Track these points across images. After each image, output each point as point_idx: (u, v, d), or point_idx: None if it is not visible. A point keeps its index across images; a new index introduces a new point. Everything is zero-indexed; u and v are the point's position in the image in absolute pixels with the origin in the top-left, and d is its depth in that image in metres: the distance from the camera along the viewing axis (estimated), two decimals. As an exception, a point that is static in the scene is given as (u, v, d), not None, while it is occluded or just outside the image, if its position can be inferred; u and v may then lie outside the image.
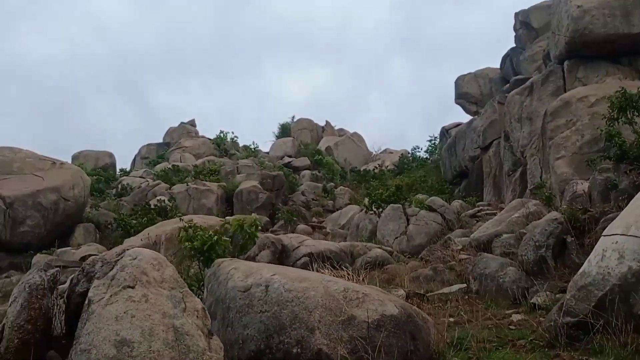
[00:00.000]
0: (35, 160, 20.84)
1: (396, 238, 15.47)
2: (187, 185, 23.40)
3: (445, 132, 31.68)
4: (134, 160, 39.98)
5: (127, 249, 4.80)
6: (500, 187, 18.36)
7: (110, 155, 34.21)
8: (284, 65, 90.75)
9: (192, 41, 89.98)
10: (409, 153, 37.46)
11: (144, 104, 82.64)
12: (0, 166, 19.75)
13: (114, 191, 27.98)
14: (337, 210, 26.36)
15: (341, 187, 30.65)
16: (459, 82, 26.93)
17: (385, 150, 41.82)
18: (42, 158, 21.21)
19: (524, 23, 23.54)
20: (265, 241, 12.88)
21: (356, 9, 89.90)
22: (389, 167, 34.15)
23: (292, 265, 12.85)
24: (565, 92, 15.65)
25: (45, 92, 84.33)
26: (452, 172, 25.35)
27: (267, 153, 38.97)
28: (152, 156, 38.55)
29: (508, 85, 21.17)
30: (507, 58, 24.91)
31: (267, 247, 12.84)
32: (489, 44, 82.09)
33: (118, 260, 4.38)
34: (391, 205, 16.38)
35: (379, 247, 14.12)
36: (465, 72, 26.47)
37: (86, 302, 4.15)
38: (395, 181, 28.86)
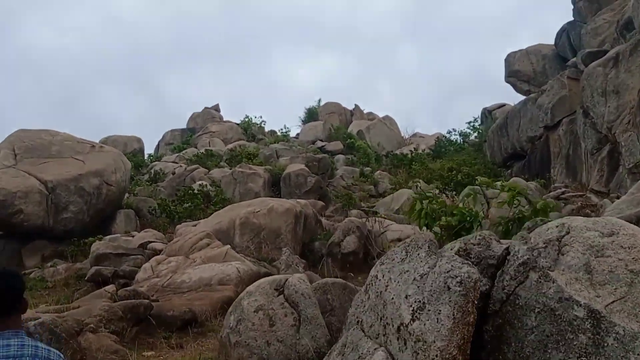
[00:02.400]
0: (74, 143, 19.72)
1: (476, 223, 14.28)
2: (231, 168, 22.30)
3: (488, 113, 30.41)
4: (158, 146, 39.01)
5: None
6: (576, 167, 17.12)
7: (139, 140, 33.13)
8: (292, 53, 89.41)
9: (201, 30, 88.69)
10: (443, 136, 36.25)
11: (155, 93, 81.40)
12: (39, 150, 18.64)
13: (145, 177, 26.98)
14: (380, 195, 25.26)
15: (379, 171, 29.52)
16: (510, 59, 25.58)
17: (415, 134, 40.61)
18: (80, 141, 20.09)
19: (586, -6, 22.15)
20: (350, 225, 11.79)
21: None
22: (425, 151, 32.99)
23: (381, 252, 11.75)
24: (658, 63, 14.39)
25: (57, 83, 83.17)
26: (503, 154, 24.07)
27: (297, 137, 37.86)
28: (177, 142, 37.49)
29: (574, 59, 19.82)
30: (563, 33, 23.53)
31: (352, 232, 11.74)
32: (499, 30, 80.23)
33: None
34: (469, 187, 15.18)
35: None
36: (516, 49, 25.08)
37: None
38: (439, 164, 27.78)
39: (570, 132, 17.87)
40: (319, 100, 42.76)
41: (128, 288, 8.27)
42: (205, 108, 42.02)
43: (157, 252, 13.45)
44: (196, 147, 33.81)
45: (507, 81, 25.79)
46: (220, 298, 8.58)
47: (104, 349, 5.75)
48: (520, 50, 25.29)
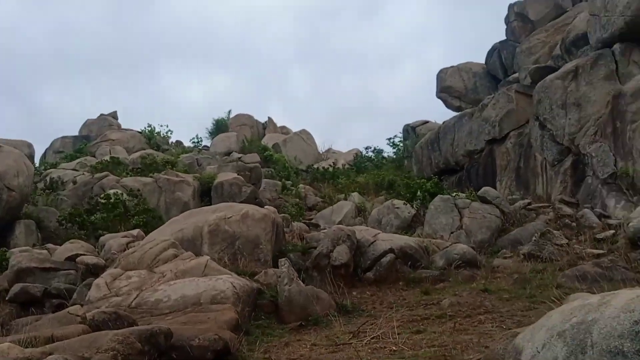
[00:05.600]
0: (-35, 139, 16.27)
1: (452, 233, 13.41)
2: (153, 176, 19.77)
3: (411, 129, 30.37)
4: (44, 154, 34.82)
5: None
6: (528, 179, 16.97)
7: (30, 146, 28.97)
8: (182, 70, 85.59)
9: (84, 43, 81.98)
10: (361, 152, 35.96)
11: (29, 104, 73.51)
12: None
13: (40, 184, 23.38)
14: (309, 208, 24.03)
15: (301, 185, 28.27)
16: (442, 75, 25.62)
17: (328, 149, 39.95)
18: (-27, 137, 16.65)
19: (519, 15, 22.71)
20: (340, 234, 10.26)
21: (258, 19, 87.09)
22: (346, 166, 32.41)
23: (375, 263, 10.36)
24: (618, 76, 14.60)
25: None
26: (434, 169, 23.83)
27: (206, 149, 35.54)
28: (69, 150, 33.67)
29: (516, 75, 20.05)
30: (495, 52, 23.99)
31: (342, 242, 10.21)
32: (385, 61, 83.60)
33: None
34: (440, 196, 14.32)
35: (455, 243, 11.96)
36: (448, 66, 25.18)
37: None
38: (366, 178, 27.15)
39: (520, 144, 17.78)
40: (229, 112, 40.85)
41: (106, 310, 6.08)
42: (102, 115, 38.41)
43: (90, 267, 10.98)
44: (94, 156, 30.45)
45: (438, 97, 25.81)
46: (227, 321, 6.65)
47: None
48: (451, 67, 25.44)
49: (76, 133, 37.24)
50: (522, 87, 18.48)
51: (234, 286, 7.73)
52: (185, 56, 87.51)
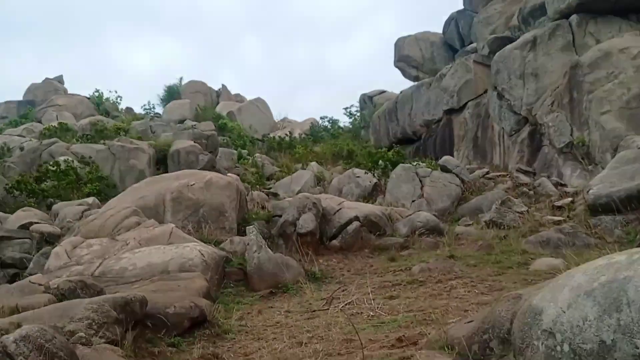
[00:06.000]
0: None
1: (413, 201, 13.55)
2: (105, 143, 19.05)
3: (368, 99, 30.37)
4: (-14, 119, 33.05)
5: None
6: (485, 149, 17.29)
7: (-30, 110, 27.40)
8: (129, 36, 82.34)
9: (23, 4, 77.50)
10: (317, 122, 35.77)
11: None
12: None
13: (-17, 151, 22.21)
14: (267, 178, 23.85)
15: (257, 154, 27.96)
16: (399, 44, 25.57)
17: (284, 118, 39.55)
18: None
19: (477, -16, 22.76)
20: (306, 202, 10.19)
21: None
22: (302, 135, 32.19)
23: (341, 231, 10.36)
24: (574, 47, 14.89)
25: None
26: (391, 139, 23.99)
27: (158, 116, 34.51)
28: (13, 115, 32.13)
29: (474, 45, 20.20)
30: (452, 21, 24.06)
31: (308, 210, 10.15)
32: (337, 30, 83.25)
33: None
34: (401, 165, 14.41)
35: (418, 211, 12.09)
36: (405, 34, 25.13)
37: None
38: (324, 147, 27.12)
39: (477, 115, 18.03)
40: (181, 79, 39.74)
41: (72, 278, 5.80)
42: (47, 79, 36.68)
43: (45, 236, 10.56)
44: (40, 122, 29.15)
45: (396, 66, 25.78)
46: (198, 289, 6.50)
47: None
48: (409, 36, 25.41)
49: (20, 98, 35.49)
50: (480, 57, 18.65)
51: (202, 254, 7.55)
52: (133, 20, 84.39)
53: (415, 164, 14.49)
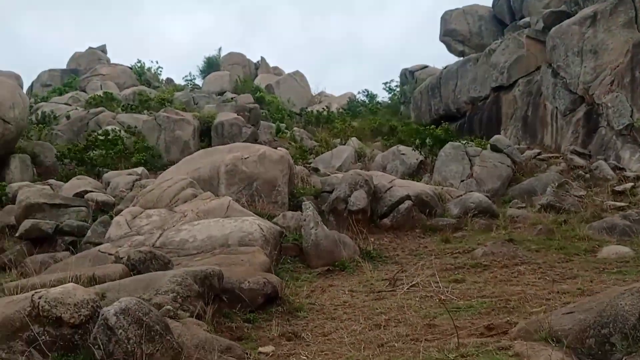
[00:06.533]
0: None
1: (462, 181, 13.30)
2: (152, 113, 19.22)
3: (409, 74, 29.81)
4: (31, 86, 33.67)
5: None
6: (536, 128, 16.79)
7: (17, 77, 27.97)
8: (165, 6, 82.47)
9: None
10: (354, 96, 35.39)
11: (9, 35, 70.50)
12: None
13: (31, 118, 22.67)
14: (306, 152, 23.74)
15: (295, 128, 27.84)
16: (446, 17, 24.89)
17: (321, 92, 39.24)
18: (-36, 65, 15.84)
19: (531, -44, 21.88)
20: (357, 179, 10.06)
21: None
22: (340, 110, 31.87)
23: (392, 209, 10.24)
24: (637, 24, 14.23)
25: None
26: (433, 116, 23.50)
27: (198, 87, 34.65)
28: (57, 83, 32.61)
29: (527, 19, 19.48)
30: (503, -6, 23.25)
31: (360, 187, 10.01)
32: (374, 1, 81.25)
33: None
34: (451, 143, 14.13)
35: (469, 192, 11.87)
36: (453, 8, 24.44)
37: None
38: (364, 123, 26.83)
39: (528, 92, 17.49)
40: (220, 50, 39.64)
41: (142, 249, 5.85)
42: (90, 48, 37.11)
43: (100, 204, 10.73)
44: (84, 91, 29.57)
45: (441, 40, 25.16)
46: (261, 264, 6.49)
47: (205, 345, 3.56)
48: (457, 9, 24.70)
49: (62, 66, 36.02)
50: (533, 32, 17.98)
51: (261, 228, 7.54)
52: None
53: (464, 142, 14.19)
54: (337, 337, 4.31)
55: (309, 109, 32.23)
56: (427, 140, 14.89)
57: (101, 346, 3.15)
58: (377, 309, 5.14)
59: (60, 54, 79.78)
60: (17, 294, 4.36)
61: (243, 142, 18.91)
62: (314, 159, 20.77)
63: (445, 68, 23.78)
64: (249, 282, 5.15)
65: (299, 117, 31.83)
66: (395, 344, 3.96)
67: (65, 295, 3.39)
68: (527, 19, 19.71)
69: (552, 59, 15.96)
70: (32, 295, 3.41)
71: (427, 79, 25.39)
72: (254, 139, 19.52)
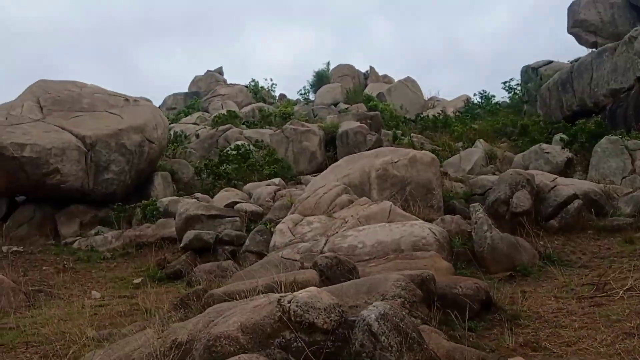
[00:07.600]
0: (105, 95, 16.64)
1: (624, 178, 12.08)
2: (277, 126, 19.60)
3: (532, 71, 28.24)
4: (158, 110, 35.94)
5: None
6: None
7: (149, 102, 29.84)
8: (265, 30, 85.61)
9: (170, 5, 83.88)
10: (470, 98, 34.21)
11: (126, 68, 76.47)
12: (68, 102, 15.54)
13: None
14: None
15: (412, 134, 27.24)
16: (574, 8, 23.28)
17: (433, 97, 38.37)
18: (112, 94, 17.02)
19: None
20: (519, 179, 9.31)
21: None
22: (456, 113, 30.89)
23: (559, 210, 9.40)
24: None
25: (22, 58, 76.86)
26: (565, 112, 21.93)
27: (310, 101, 35.22)
28: (180, 106, 34.56)
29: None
30: (638, -23, 21.34)
31: (522, 187, 9.27)
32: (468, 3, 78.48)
33: None
34: (607, 137, 12.96)
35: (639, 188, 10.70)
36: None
37: None
38: (485, 124, 25.75)
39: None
40: (328, 63, 40.11)
41: (328, 254, 5.67)
42: (209, 71, 39.12)
43: (249, 214, 10.86)
44: (207, 111, 31.07)
45: (570, 32, 23.55)
46: (444, 269, 6.07)
47: (455, 355, 3.21)
48: (585, -1, 23.04)
49: (182, 90, 38.18)
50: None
51: (433, 232, 7.12)
52: (267, 16, 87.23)
53: (620, 135, 12.95)
54: (587, 347, 3.77)
55: (424, 114, 31.57)
56: (578, 136, 13.75)
57: (368, 354, 2.88)
58: (609, 315, 4.52)
59: (174, 79, 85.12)
60: (229, 299, 4.28)
61: (367, 149, 18.80)
62: (442, 163, 20.18)
63: (576, 61, 22.21)
64: (460, 287, 4.75)
65: (413, 123, 31.26)
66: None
67: (314, 299, 3.18)
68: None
69: None
70: (279, 299, 3.23)
71: (555, 75, 23.84)
72: (378, 146, 19.23)
